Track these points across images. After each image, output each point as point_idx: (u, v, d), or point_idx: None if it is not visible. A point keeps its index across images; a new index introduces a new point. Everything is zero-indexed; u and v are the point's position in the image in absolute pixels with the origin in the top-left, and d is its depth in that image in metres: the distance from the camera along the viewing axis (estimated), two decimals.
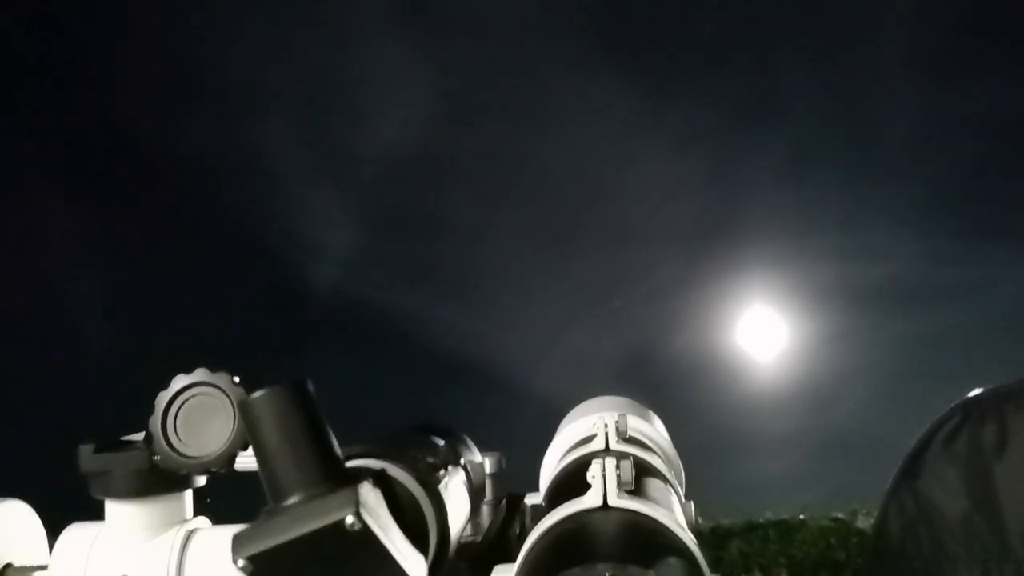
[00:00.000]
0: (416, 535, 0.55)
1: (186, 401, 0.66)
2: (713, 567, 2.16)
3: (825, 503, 2.82)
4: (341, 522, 0.48)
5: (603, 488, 0.89)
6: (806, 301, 5.70)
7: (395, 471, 0.56)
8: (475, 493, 0.67)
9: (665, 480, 1.08)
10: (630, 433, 1.21)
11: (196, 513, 1.05)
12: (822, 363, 5.49)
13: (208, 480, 1.06)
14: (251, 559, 0.49)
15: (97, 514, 1.03)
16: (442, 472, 0.60)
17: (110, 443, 0.98)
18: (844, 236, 5.69)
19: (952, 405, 1.81)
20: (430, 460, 0.60)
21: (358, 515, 0.49)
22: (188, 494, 1.04)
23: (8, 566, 1.00)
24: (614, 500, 0.89)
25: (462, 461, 0.66)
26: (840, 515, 2.69)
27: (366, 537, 0.49)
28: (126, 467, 0.98)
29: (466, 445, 0.68)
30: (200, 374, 0.66)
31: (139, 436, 1.02)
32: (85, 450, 0.97)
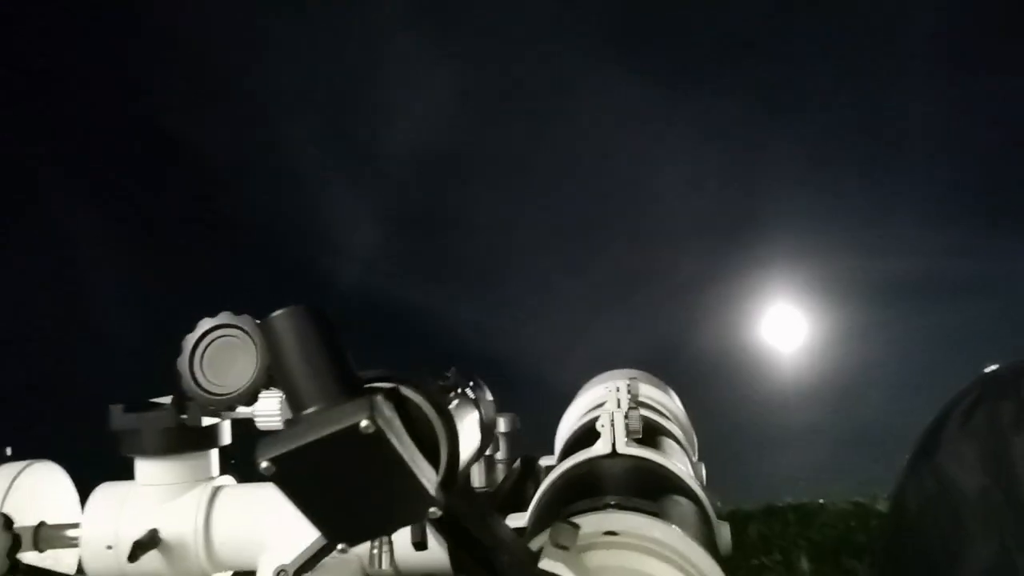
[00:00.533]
0: (427, 452, 0.58)
1: (211, 342, 0.69)
2: (733, 549, 2.18)
3: (848, 491, 2.83)
4: (356, 426, 0.52)
5: (612, 436, 0.92)
6: (830, 295, 5.68)
7: (407, 390, 0.59)
8: (487, 429, 0.69)
9: (675, 440, 1.11)
10: (642, 398, 1.24)
11: (221, 473, 1.09)
12: (846, 358, 5.47)
13: (232, 441, 1.10)
14: (273, 460, 0.53)
15: (126, 476, 1.07)
16: (452, 395, 0.63)
17: (139, 403, 1.02)
18: (868, 230, 5.66)
19: (970, 382, 1.82)
20: (441, 383, 0.63)
21: (372, 419, 0.52)
22: (214, 453, 1.08)
23: (42, 524, 1.04)
24: (622, 448, 0.91)
25: (472, 393, 0.69)
26: (860, 500, 2.69)
27: (380, 443, 0.52)
28: (154, 425, 1.02)
29: (478, 384, 0.71)
30: (224, 317, 0.70)
31: (166, 399, 1.06)
32: (115, 409, 1.01)
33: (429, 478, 0.55)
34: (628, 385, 1.19)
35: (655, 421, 1.14)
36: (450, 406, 0.61)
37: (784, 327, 5.46)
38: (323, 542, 0.98)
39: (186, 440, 1.02)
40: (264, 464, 0.53)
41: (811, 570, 2.14)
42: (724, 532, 0.90)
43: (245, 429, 1.09)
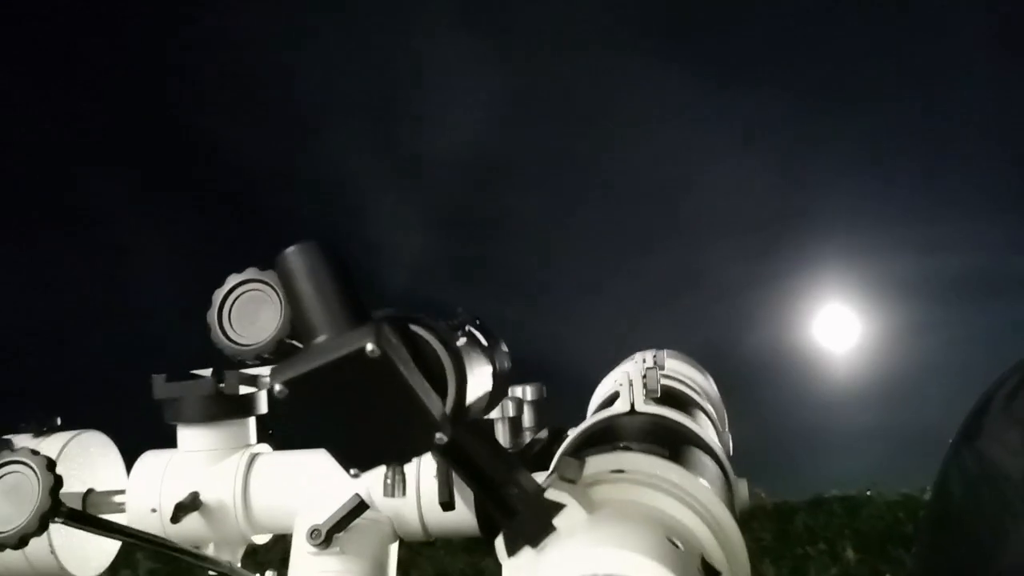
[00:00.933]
0: (435, 385, 0.61)
1: (239, 296, 0.73)
2: (777, 540, 2.18)
3: (898, 485, 2.79)
4: (362, 350, 0.55)
5: (630, 394, 0.94)
6: (885, 294, 5.60)
7: (415, 328, 0.62)
8: (498, 374, 0.72)
9: (700, 408, 1.12)
10: (668, 371, 1.25)
11: (259, 441, 1.13)
12: (902, 357, 5.37)
13: (269, 410, 1.15)
14: (286, 384, 0.56)
15: (169, 447, 1.11)
16: (460, 334, 0.66)
17: (180, 374, 1.07)
18: (924, 226, 5.56)
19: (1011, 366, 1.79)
20: (450, 323, 0.66)
21: (378, 343, 0.55)
22: (251, 422, 1.13)
23: (91, 491, 1.09)
24: (640, 406, 0.93)
25: (481, 336, 0.72)
26: (908, 491, 2.66)
27: (386, 368, 0.55)
28: (195, 394, 1.07)
29: (488, 331, 0.74)
30: (251, 272, 0.74)
31: (206, 371, 1.11)
32: (158, 379, 1.06)
33: (435, 405, 0.58)
34: (655, 356, 1.20)
35: (679, 390, 1.15)
36: (458, 343, 0.64)
37: (837, 327, 5.39)
38: (355, 503, 1.02)
39: (224, 408, 1.07)
40: (277, 387, 0.56)
41: (857, 560, 2.12)
42: (742, 488, 0.91)
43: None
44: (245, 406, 1.09)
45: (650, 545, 0.59)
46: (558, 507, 0.64)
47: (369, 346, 0.55)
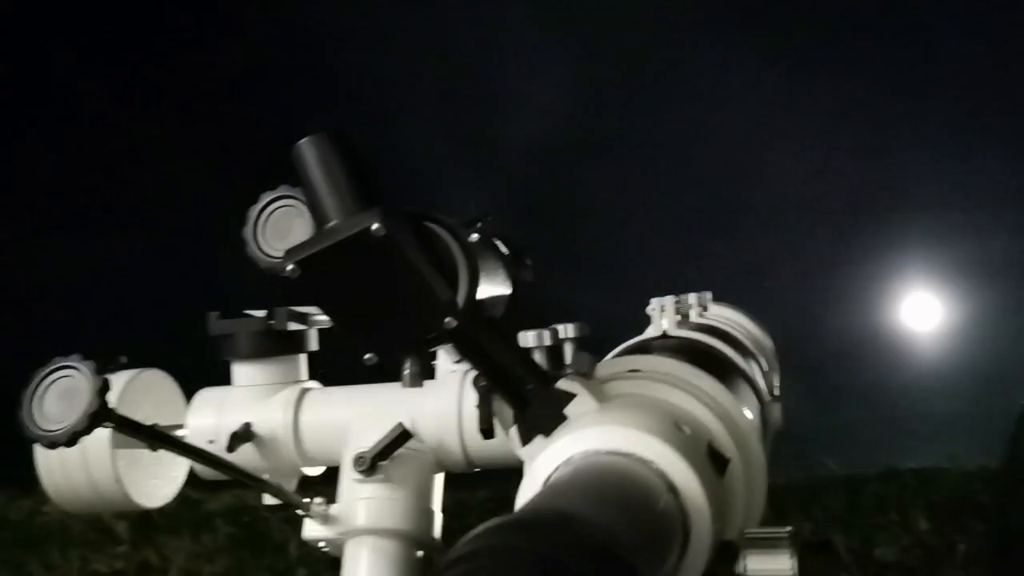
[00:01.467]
0: (446, 277, 0.63)
1: (272, 212, 0.77)
2: (847, 510, 2.15)
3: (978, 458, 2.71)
4: (368, 230, 0.57)
5: (661, 319, 0.95)
6: (972, 278, 5.42)
7: (428, 222, 0.64)
8: (515, 278, 0.74)
9: (741, 347, 1.12)
10: (714, 315, 1.25)
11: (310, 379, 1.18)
12: (991, 343, 5.20)
13: (320, 348, 1.19)
14: (298, 264, 0.59)
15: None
16: (474, 232, 0.68)
17: (234, 312, 1.12)
18: (1013, 208, 5.37)
19: None
20: (465, 222, 0.67)
21: (383, 223, 0.57)
22: (302, 358, 1.17)
23: (153, 425, 1.15)
24: (672, 330, 0.94)
25: (502, 246, 0.73)
26: (985, 463, 2.57)
27: (393, 248, 0.58)
28: (247, 330, 1.12)
29: (514, 245, 0.76)
30: (283, 189, 0.77)
31: (259, 312, 1.16)
32: (212, 316, 1.11)
33: (444, 290, 0.60)
34: (699, 296, 1.21)
35: (720, 328, 1.15)
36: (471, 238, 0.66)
37: (920, 309, 5.24)
38: (398, 431, 1.05)
39: (275, 343, 1.11)
40: (289, 267, 0.59)
41: (929, 530, 2.08)
42: (775, 409, 0.91)
43: (331, 341, 1.18)
44: (295, 342, 1.13)
45: (655, 425, 0.60)
46: (569, 397, 0.65)
47: (375, 225, 0.57)
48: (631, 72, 5.14)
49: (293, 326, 1.12)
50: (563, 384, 0.66)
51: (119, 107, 4.30)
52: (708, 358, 0.89)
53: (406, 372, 0.69)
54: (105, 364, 1.16)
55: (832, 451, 2.74)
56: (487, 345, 0.66)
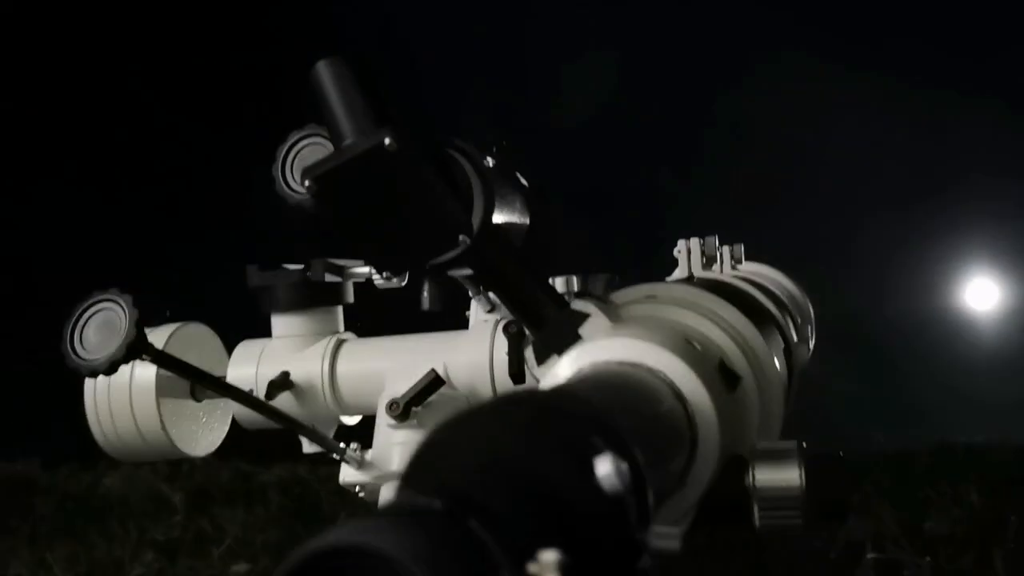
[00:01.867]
0: (462, 203, 0.64)
1: (300, 150, 0.79)
2: (897, 483, 2.11)
3: None
4: (381, 145, 0.59)
5: (687, 262, 0.95)
6: None
7: (442, 146, 0.66)
8: (541, 222, 0.75)
9: (771, 296, 1.12)
10: (747, 270, 1.25)
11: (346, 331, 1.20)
12: None
13: (355, 301, 1.21)
14: (315, 180, 0.61)
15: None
16: (492, 162, 0.69)
17: (272, 265, 1.15)
18: None
19: None
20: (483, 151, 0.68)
21: (395, 138, 0.59)
22: (338, 310, 1.19)
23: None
24: (698, 271, 0.94)
25: (522, 180, 0.75)
26: None
27: (406, 163, 0.59)
28: (285, 282, 1.14)
29: (535, 183, 0.77)
30: (310, 127, 0.80)
31: (297, 266, 1.18)
32: (252, 269, 1.14)
33: (457, 208, 0.62)
34: (731, 249, 1.20)
35: (753, 280, 1.15)
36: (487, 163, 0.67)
37: (979, 289, 5.13)
38: (431, 377, 1.07)
39: (312, 295, 1.14)
40: (307, 183, 0.61)
41: (981, 503, 2.04)
42: (802, 351, 0.91)
43: (367, 295, 1.20)
44: (332, 294, 1.16)
45: (665, 338, 0.61)
46: (583, 317, 0.66)
47: (387, 141, 0.59)
48: (685, 48, 5.10)
49: (329, 278, 1.15)
50: (577, 305, 0.67)
51: (146, 60, 4.33)
52: (731, 294, 0.89)
53: (424, 294, 0.70)
54: (151, 316, 1.21)
55: (885, 426, 2.71)
56: (503, 268, 0.67)
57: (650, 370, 0.58)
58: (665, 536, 0.38)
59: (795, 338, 0.91)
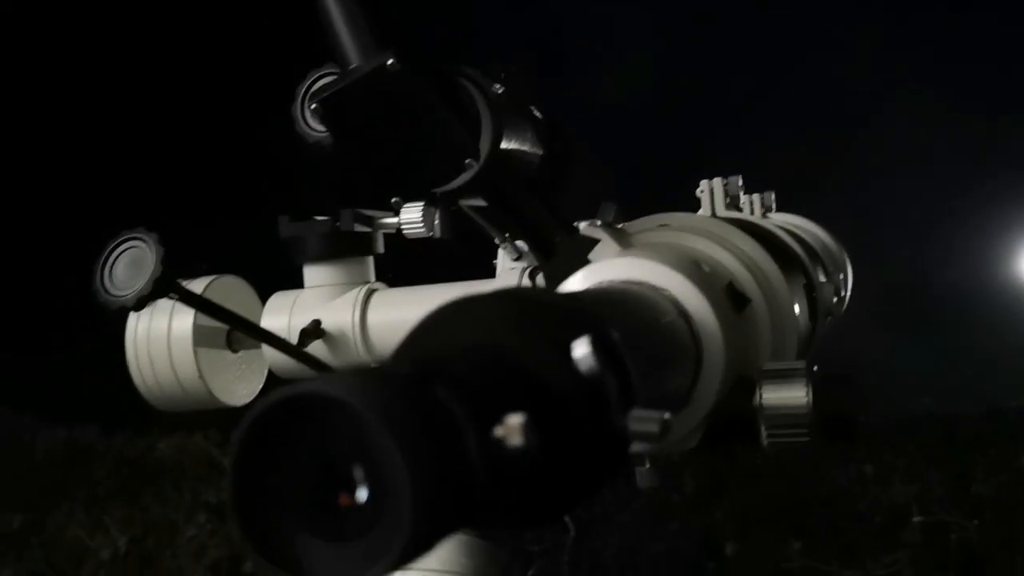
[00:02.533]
0: (469, 132, 0.65)
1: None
2: (944, 446, 2.08)
3: None
4: (384, 66, 0.59)
5: (711, 201, 0.94)
6: None
7: (449, 71, 0.66)
8: (553, 151, 0.75)
9: (799, 241, 1.10)
10: (780, 218, 1.23)
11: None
12: None
13: (386, 252, 1.23)
14: (320, 103, 0.62)
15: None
16: (499, 87, 0.69)
17: (302, 215, 1.17)
18: None
19: None
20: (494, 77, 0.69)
21: (399, 59, 0.59)
22: (369, 261, 1.21)
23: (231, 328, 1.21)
24: (721, 211, 0.94)
25: (537, 113, 0.75)
26: None
27: (409, 83, 0.60)
28: (315, 232, 1.16)
29: (550, 115, 0.77)
30: (329, 66, 0.81)
31: (327, 217, 1.20)
32: (283, 219, 1.16)
33: (463, 131, 0.62)
34: (762, 197, 1.19)
35: (782, 226, 1.14)
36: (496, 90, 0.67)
37: None
38: None
39: (342, 245, 1.16)
40: (313, 106, 0.62)
41: None
42: (827, 290, 0.90)
43: (397, 245, 1.21)
44: (361, 243, 1.17)
45: (671, 259, 0.61)
46: (593, 243, 0.66)
47: (390, 61, 0.59)
48: (726, 26, 5.03)
49: (359, 228, 1.16)
50: (587, 231, 0.67)
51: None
52: (750, 229, 0.88)
53: (436, 221, 0.71)
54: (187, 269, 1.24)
55: (935, 392, 2.67)
56: (512, 195, 0.68)
57: (654, 288, 0.58)
58: (646, 420, 0.38)
59: (821, 279, 0.90)
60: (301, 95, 0.81)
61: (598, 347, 0.38)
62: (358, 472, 0.29)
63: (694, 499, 2.27)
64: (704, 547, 2.14)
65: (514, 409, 0.33)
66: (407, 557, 0.28)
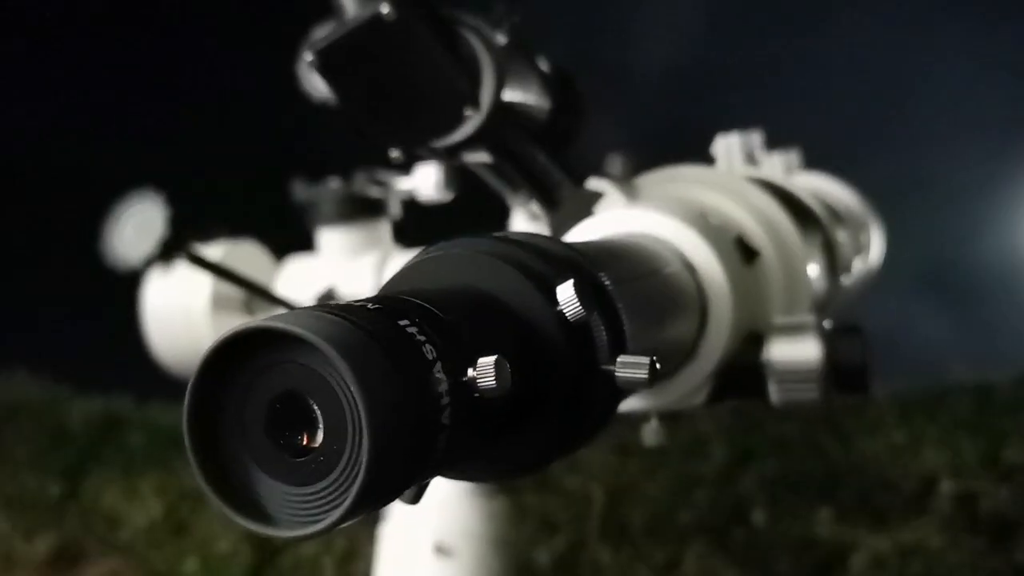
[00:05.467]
0: (470, 80, 0.63)
1: None
2: (976, 413, 2.04)
3: None
4: (379, 15, 0.58)
5: (727, 158, 0.92)
6: None
7: (448, 20, 0.64)
8: (562, 105, 0.73)
9: (818, 200, 1.08)
10: (804, 177, 1.20)
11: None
12: None
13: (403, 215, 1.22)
14: (317, 54, 0.61)
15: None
16: (503, 34, 0.67)
17: (316, 179, 1.17)
18: None
19: None
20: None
21: (395, 6, 0.58)
22: (384, 225, 1.20)
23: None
24: (738, 167, 0.91)
25: (545, 66, 0.73)
26: None
27: (411, 35, 0.58)
28: (329, 195, 1.16)
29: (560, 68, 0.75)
30: (333, 21, 0.79)
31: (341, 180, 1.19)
32: (296, 183, 1.16)
33: (463, 80, 0.61)
34: (784, 158, 1.16)
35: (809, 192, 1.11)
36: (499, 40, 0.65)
37: None
38: None
39: (356, 208, 1.15)
40: (310, 58, 0.61)
41: None
42: (848, 250, 0.88)
43: (413, 210, 1.21)
44: (375, 207, 1.16)
45: (677, 210, 0.59)
46: (597, 195, 0.65)
47: (385, 8, 0.58)
48: None
49: (374, 191, 1.15)
50: (593, 184, 0.65)
51: None
52: (765, 185, 0.86)
53: (440, 178, 0.70)
54: (205, 234, 1.24)
55: (969, 360, 2.63)
56: (516, 146, 0.66)
57: (658, 240, 0.57)
58: (633, 365, 0.37)
59: (840, 239, 0.88)
60: (305, 53, 0.80)
61: (584, 290, 0.36)
62: (317, 411, 0.28)
63: (723, 468, 2.25)
64: (732, 516, 2.12)
65: (490, 350, 0.32)
66: (367, 503, 0.27)
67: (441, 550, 0.97)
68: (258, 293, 0.97)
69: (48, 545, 2.37)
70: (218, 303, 1.17)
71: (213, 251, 1.20)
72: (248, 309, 1.21)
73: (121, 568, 2.43)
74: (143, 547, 2.34)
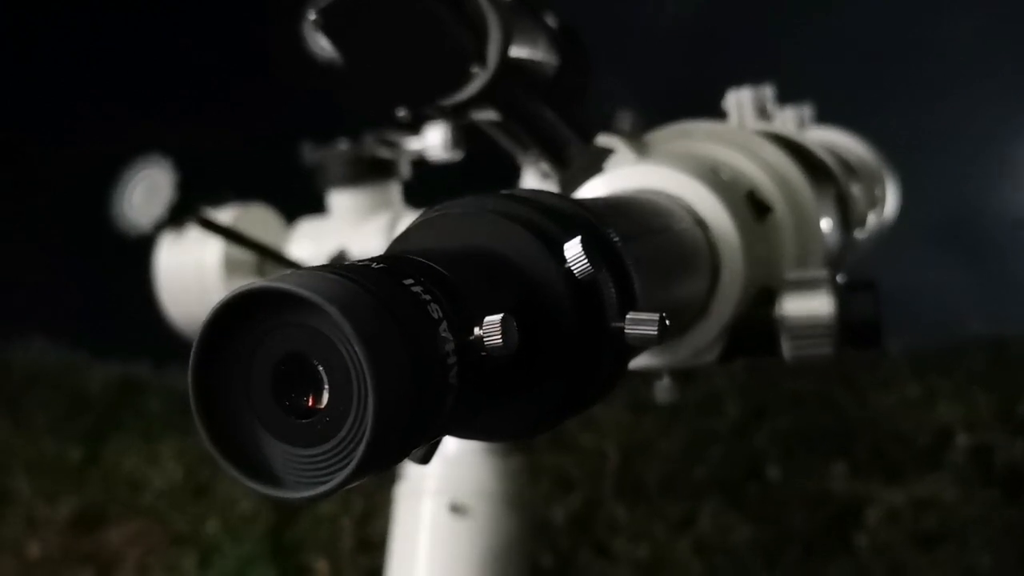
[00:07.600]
0: (478, 39, 0.62)
1: None
2: (992, 368, 2.03)
3: None
4: None
5: (738, 112, 0.91)
6: None
7: None
8: (569, 59, 0.72)
9: (831, 154, 1.06)
10: (817, 130, 1.19)
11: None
12: None
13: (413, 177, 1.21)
14: (320, 12, 0.60)
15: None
16: None
17: (325, 141, 1.16)
18: None
19: None
20: None
21: None
22: (394, 187, 1.20)
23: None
24: (750, 122, 0.90)
25: (552, 23, 0.72)
26: None
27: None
28: (339, 157, 1.15)
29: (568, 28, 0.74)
30: None
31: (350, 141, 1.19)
32: (306, 145, 1.15)
33: (468, 37, 0.60)
34: (797, 111, 1.14)
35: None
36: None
37: None
38: None
39: (365, 170, 1.14)
40: (313, 17, 0.60)
41: None
42: (861, 204, 0.87)
43: (423, 171, 1.20)
44: (384, 168, 1.16)
45: (687, 166, 0.58)
46: (607, 152, 0.64)
47: None
48: None
49: (383, 152, 1.15)
50: (602, 140, 0.65)
51: None
52: (777, 139, 0.85)
53: (448, 138, 0.69)
54: (216, 199, 1.24)
55: (985, 315, 2.62)
56: (523, 104, 0.66)
57: (669, 196, 0.56)
58: (643, 321, 0.37)
59: (854, 193, 0.87)
60: (309, 12, 0.79)
61: (592, 247, 0.36)
62: (322, 372, 0.28)
63: (737, 424, 2.26)
64: (747, 471, 2.13)
65: (496, 308, 0.31)
66: (374, 464, 0.27)
67: (457, 509, 0.98)
68: (269, 256, 0.97)
69: (71, 508, 2.41)
70: (230, 266, 1.17)
71: (224, 215, 1.20)
72: (260, 272, 1.21)
73: (145, 530, 2.46)
74: (165, 509, 2.37)
